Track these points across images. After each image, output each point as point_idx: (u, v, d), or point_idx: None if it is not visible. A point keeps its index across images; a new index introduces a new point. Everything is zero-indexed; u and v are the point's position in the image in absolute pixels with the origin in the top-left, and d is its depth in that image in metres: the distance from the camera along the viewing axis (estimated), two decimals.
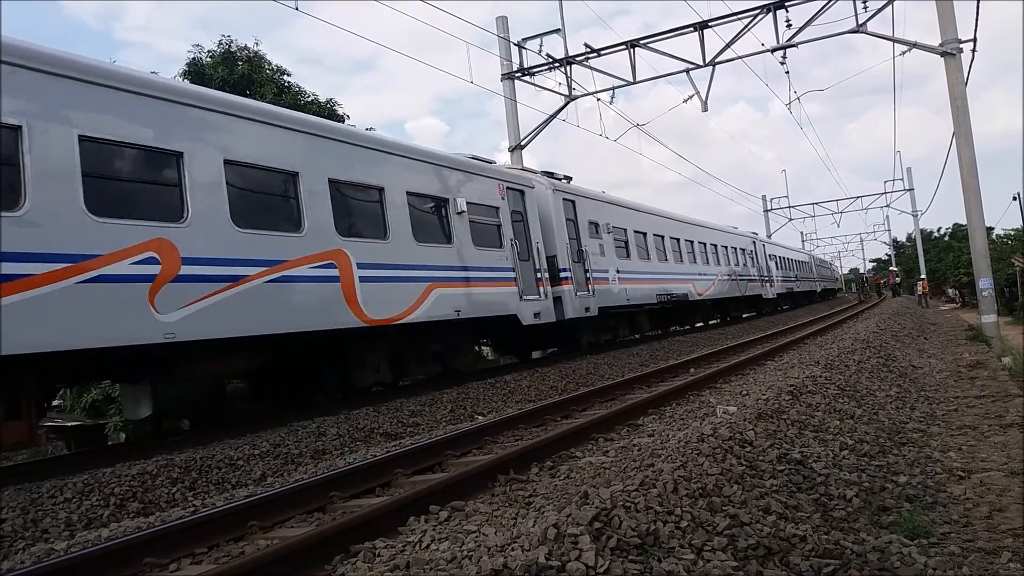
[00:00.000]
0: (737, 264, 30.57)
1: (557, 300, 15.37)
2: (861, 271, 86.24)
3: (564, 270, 15.68)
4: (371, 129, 13.08)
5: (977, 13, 16.92)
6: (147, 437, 9.99)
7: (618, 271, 18.25)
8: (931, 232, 76.44)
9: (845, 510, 4.54)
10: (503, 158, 22.92)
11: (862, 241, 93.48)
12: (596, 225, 17.78)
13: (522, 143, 22.62)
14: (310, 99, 25.88)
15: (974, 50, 17.63)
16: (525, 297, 14.18)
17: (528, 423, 7.98)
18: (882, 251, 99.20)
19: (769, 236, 53.85)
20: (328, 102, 26.43)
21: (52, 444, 18.58)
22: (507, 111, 22.53)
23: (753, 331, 23.09)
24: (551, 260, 15.55)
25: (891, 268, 69.88)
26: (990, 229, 38.26)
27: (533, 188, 15.54)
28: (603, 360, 15.32)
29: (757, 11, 18.94)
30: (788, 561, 3.62)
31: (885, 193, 56.41)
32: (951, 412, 8.38)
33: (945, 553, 3.95)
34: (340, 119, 25.19)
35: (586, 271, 16.62)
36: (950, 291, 52.41)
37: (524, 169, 17.63)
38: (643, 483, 4.07)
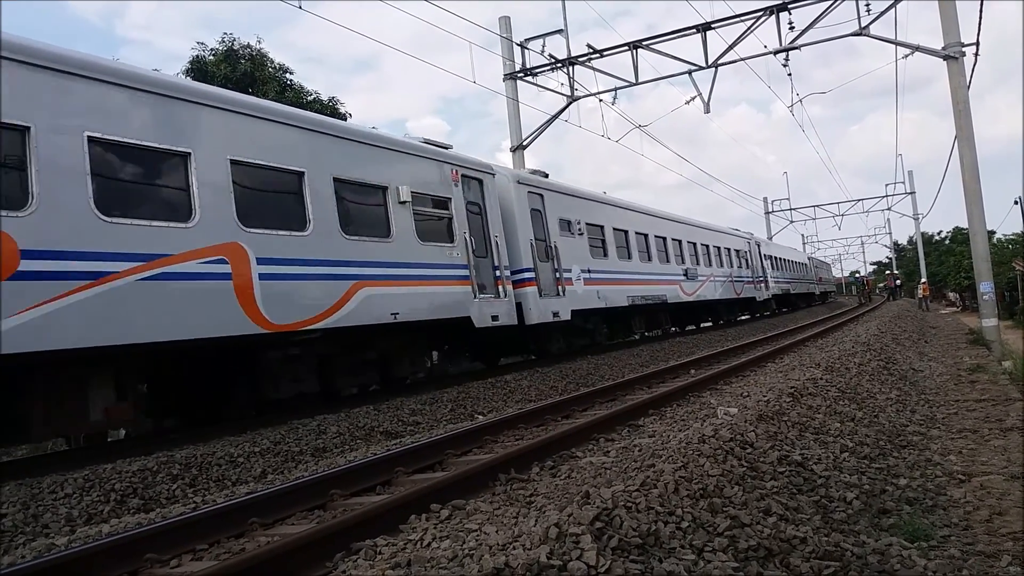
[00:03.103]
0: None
1: None
2: (862, 274, 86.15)
3: None
4: (374, 128, 12.70)
5: (980, 17, 16.92)
6: (147, 434, 9.99)
7: None
8: (932, 235, 76.58)
9: (845, 512, 4.54)
10: (505, 159, 22.59)
11: (863, 244, 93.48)
12: None
13: (524, 143, 22.65)
14: (312, 97, 25.94)
15: (977, 54, 17.67)
16: None
17: (529, 423, 7.99)
18: (883, 254, 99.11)
19: (770, 238, 53.09)
20: (330, 100, 26.49)
21: (52, 439, 18.54)
22: (509, 111, 22.57)
23: (754, 333, 23.10)
24: None
25: (887, 272, 69.73)
26: (991, 233, 38.34)
27: None
28: (603, 361, 15.33)
29: (760, 13, 18.97)
30: (788, 563, 3.62)
31: (886, 196, 56.58)
32: (951, 415, 8.38)
33: (945, 556, 3.96)
34: (343, 117, 25.25)
35: None
36: (951, 295, 52.41)
37: None
38: (644, 483, 4.07)
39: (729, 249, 30.18)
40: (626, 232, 20.04)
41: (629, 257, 19.96)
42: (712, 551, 3.54)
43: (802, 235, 74.51)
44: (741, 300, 31.40)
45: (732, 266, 30.13)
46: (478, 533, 3.88)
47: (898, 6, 18.04)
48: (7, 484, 6.48)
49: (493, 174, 14.51)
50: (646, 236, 21.35)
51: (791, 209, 58.28)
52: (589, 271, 17.31)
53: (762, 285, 34.59)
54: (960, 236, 57.76)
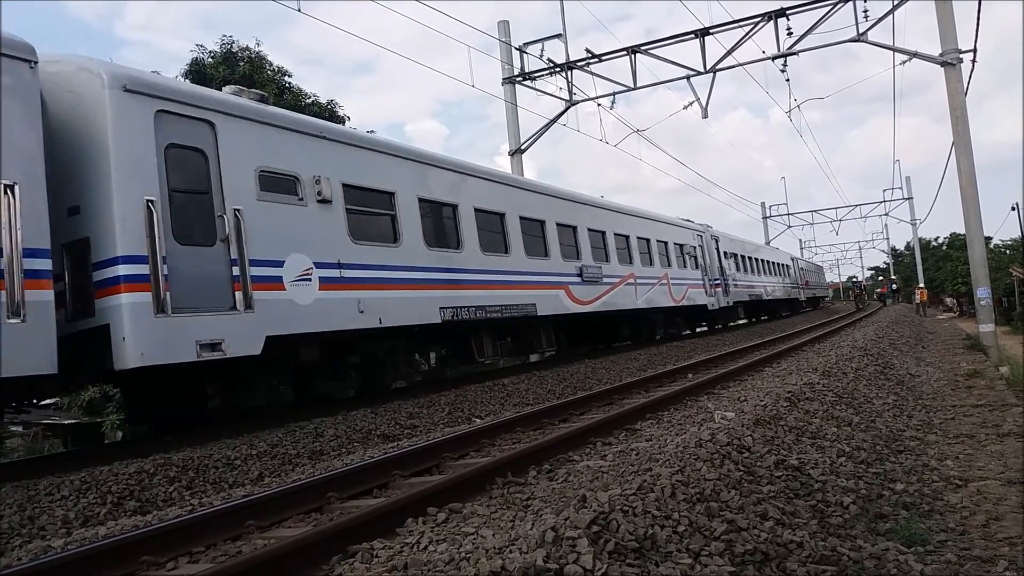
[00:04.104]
0: None
1: None
2: (859, 279, 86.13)
3: None
4: (371, 132, 12.64)
5: (978, 23, 16.93)
6: (144, 436, 9.99)
7: None
8: (929, 241, 76.67)
9: (842, 517, 4.55)
10: (503, 162, 22.10)
11: (860, 249, 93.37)
12: None
13: (523, 147, 22.67)
14: (310, 100, 25.95)
15: (974, 60, 17.72)
16: None
17: (526, 426, 7.99)
18: (881, 259, 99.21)
19: (767, 243, 52.93)
20: (329, 103, 26.51)
21: (49, 442, 18.59)
22: (508, 115, 22.61)
23: (751, 338, 23.12)
24: None
25: (880, 278, 69.82)
26: (989, 239, 38.35)
27: None
28: (601, 365, 15.34)
29: (758, 19, 19.02)
30: (785, 567, 3.63)
31: (884, 202, 56.71)
32: (948, 421, 8.40)
33: (941, 561, 3.97)
34: (341, 121, 25.28)
35: None
36: (948, 300, 52.49)
37: None
38: (641, 487, 4.08)
39: (666, 243, 22.87)
40: (455, 207, 13.02)
41: (458, 246, 12.93)
42: (709, 555, 3.54)
43: (800, 240, 74.52)
44: (684, 309, 24.24)
45: (670, 265, 22.84)
46: (475, 536, 3.89)
47: (896, 11, 18.12)
48: (4, 486, 6.47)
49: (30, 62, 7.15)
50: (502, 217, 14.39)
51: (788, 214, 58.40)
52: (340, 265, 10.15)
53: (719, 290, 27.11)
54: (957, 242, 57.80)
